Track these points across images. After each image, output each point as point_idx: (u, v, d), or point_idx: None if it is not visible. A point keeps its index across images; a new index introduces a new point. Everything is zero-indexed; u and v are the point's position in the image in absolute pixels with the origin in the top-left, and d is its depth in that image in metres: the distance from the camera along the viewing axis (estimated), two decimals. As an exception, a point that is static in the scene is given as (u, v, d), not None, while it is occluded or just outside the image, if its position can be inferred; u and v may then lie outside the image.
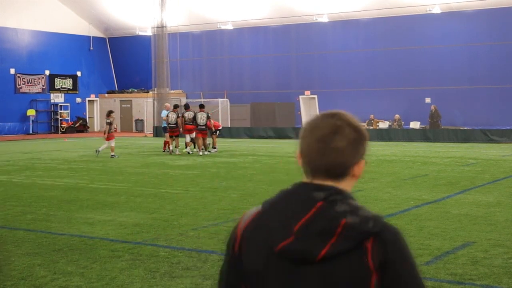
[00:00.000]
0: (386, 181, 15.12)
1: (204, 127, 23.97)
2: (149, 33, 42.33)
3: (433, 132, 31.11)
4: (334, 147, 1.82)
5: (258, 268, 1.87)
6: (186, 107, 24.97)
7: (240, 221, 1.96)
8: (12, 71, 41.28)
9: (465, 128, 31.42)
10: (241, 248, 1.92)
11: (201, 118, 24.02)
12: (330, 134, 1.82)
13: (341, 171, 1.85)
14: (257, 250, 1.88)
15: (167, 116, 24.73)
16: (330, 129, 1.83)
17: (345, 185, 1.86)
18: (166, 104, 28.33)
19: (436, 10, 35.01)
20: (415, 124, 34.63)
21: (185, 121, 24.13)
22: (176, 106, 25.59)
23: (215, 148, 25.15)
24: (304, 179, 1.88)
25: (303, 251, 1.78)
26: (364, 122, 35.81)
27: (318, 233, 1.77)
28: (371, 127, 34.65)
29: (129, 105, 44.81)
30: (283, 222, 1.81)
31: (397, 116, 34.84)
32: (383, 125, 34.97)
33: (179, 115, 24.52)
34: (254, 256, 1.89)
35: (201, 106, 24.85)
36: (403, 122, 34.80)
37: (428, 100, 35.68)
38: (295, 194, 1.84)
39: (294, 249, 1.78)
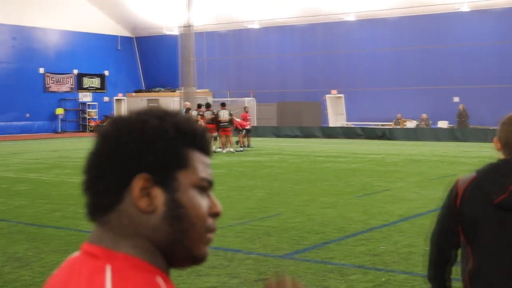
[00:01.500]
0: (413, 180, 15.02)
1: (227, 124, 24.07)
2: (175, 32, 42.50)
3: (461, 132, 30.79)
4: None
5: (477, 215, 2.73)
6: (207, 106, 25.21)
7: (458, 184, 2.83)
8: (41, 70, 41.77)
9: (495, 128, 30.96)
10: (462, 202, 2.78)
11: (223, 115, 24.16)
12: None
13: None
14: (477, 203, 2.73)
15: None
16: None
17: None
18: (186, 103, 28.67)
19: (465, 8, 34.63)
20: (443, 124, 34.25)
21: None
22: (199, 106, 25.77)
23: (244, 147, 25.30)
24: (502, 156, 2.80)
25: None
26: (391, 122, 35.59)
27: None
28: (398, 127, 34.39)
29: (156, 104, 44.91)
30: (499, 183, 2.69)
31: (424, 115, 34.50)
32: (411, 124, 34.67)
33: (200, 114, 24.65)
34: (474, 207, 2.74)
35: (223, 105, 25.02)
36: (430, 122, 34.45)
37: (456, 99, 35.30)
38: (504, 166, 2.74)
39: (509, 201, 2.65)
